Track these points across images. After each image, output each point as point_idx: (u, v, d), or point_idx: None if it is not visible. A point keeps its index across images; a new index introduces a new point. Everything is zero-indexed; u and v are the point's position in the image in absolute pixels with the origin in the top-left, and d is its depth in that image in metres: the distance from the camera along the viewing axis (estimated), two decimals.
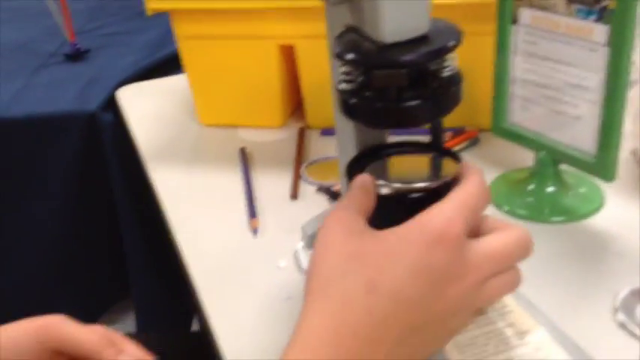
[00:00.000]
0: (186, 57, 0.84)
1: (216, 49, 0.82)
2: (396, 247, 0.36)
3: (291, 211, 0.69)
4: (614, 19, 0.52)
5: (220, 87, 0.85)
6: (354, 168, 0.45)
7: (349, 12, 0.44)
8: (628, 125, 0.57)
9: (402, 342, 0.35)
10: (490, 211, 0.65)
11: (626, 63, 0.52)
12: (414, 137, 0.47)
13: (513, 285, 0.38)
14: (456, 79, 0.43)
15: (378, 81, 0.42)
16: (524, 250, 0.38)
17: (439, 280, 0.35)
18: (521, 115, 0.63)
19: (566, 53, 0.57)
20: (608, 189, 0.65)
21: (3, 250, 1.10)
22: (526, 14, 0.59)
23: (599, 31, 0.53)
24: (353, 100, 0.43)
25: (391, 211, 0.41)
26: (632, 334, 0.48)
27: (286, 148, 0.81)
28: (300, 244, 0.61)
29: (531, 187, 0.64)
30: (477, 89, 0.63)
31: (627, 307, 0.50)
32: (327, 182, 0.72)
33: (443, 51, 0.41)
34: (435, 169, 0.45)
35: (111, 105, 1.03)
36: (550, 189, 0.63)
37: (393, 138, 0.49)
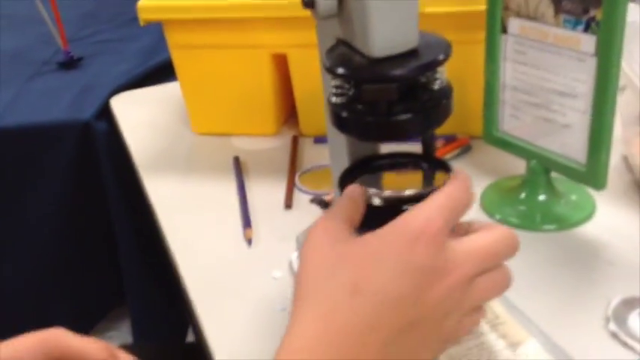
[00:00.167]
0: (179, 66, 0.85)
1: (209, 58, 0.82)
2: (378, 249, 0.37)
3: (286, 220, 0.69)
4: (601, 29, 0.52)
5: (213, 96, 0.85)
6: (346, 179, 0.46)
7: (339, 26, 0.45)
8: (617, 131, 0.57)
9: (393, 342, 0.35)
10: (482, 219, 0.65)
11: (614, 73, 0.53)
12: (407, 146, 0.47)
13: (503, 284, 0.39)
14: (446, 92, 0.43)
15: (369, 95, 0.42)
16: (509, 247, 0.38)
17: (423, 278, 0.36)
18: (511, 123, 0.64)
19: (554, 63, 0.57)
20: (599, 196, 0.65)
21: None
22: (515, 24, 0.59)
23: (587, 42, 0.54)
24: (344, 114, 0.43)
25: (383, 220, 0.42)
26: (624, 344, 0.49)
27: (280, 156, 0.81)
28: (295, 254, 0.61)
29: (523, 195, 0.65)
30: (468, 97, 0.63)
31: (619, 316, 0.50)
32: (320, 191, 0.72)
33: (433, 65, 0.42)
34: (427, 179, 0.46)
35: (105, 113, 1.03)
36: (542, 197, 0.64)
37: (385, 147, 0.50)
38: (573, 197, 0.66)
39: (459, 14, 0.68)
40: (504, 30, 0.60)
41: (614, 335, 0.49)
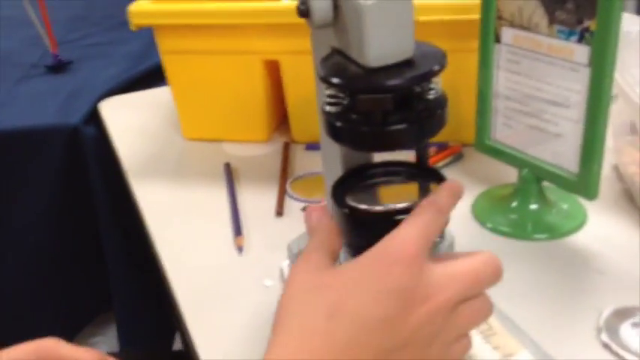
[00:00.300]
0: (170, 71, 0.84)
1: (200, 64, 0.81)
2: (356, 275, 0.36)
3: (277, 227, 0.69)
4: (595, 40, 0.52)
5: (204, 101, 0.85)
6: (339, 189, 0.46)
7: (334, 35, 0.44)
8: (608, 140, 0.57)
9: None
10: (474, 227, 0.66)
11: (607, 84, 0.53)
12: (400, 155, 0.47)
13: (485, 312, 0.38)
14: (441, 102, 0.43)
15: (364, 105, 0.42)
16: (493, 274, 0.38)
17: (402, 301, 0.35)
18: (504, 131, 0.64)
19: (547, 72, 0.57)
20: (590, 205, 0.65)
21: None
22: (508, 34, 0.59)
23: (581, 52, 0.54)
24: (338, 123, 0.43)
25: (379, 233, 0.42)
26: (616, 355, 0.49)
27: (271, 163, 0.81)
28: (286, 263, 0.61)
29: (514, 204, 0.65)
30: (460, 105, 0.63)
31: (611, 327, 0.50)
32: (312, 199, 0.72)
33: (428, 75, 0.41)
34: (421, 189, 0.46)
35: (93, 118, 1.02)
36: (533, 206, 0.64)
37: (378, 155, 0.50)
38: (564, 206, 0.66)
39: (453, 23, 0.68)
40: (498, 39, 0.61)
41: (606, 346, 0.49)
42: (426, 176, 0.45)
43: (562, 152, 0.59)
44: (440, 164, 0.76)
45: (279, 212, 0.71)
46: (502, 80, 0.62)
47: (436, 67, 0.41)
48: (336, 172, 0.49)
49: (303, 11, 0.43)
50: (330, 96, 0.44)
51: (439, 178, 0.44)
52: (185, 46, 0.80)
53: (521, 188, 0.64)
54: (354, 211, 0.42)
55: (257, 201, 0.73)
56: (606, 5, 0.51)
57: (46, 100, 1.09)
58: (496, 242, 0.63)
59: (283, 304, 0.38)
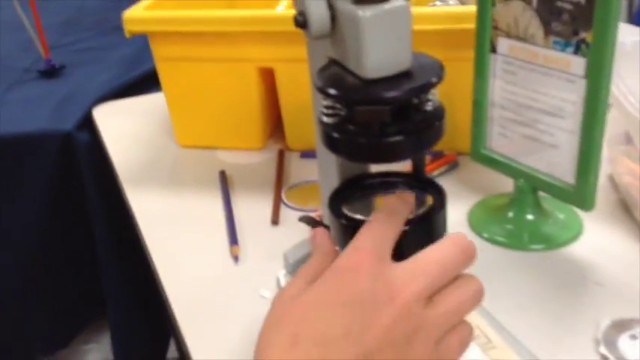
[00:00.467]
0: (164, 78, 0.84)
1: (195, 71, 0.81)
2: (313, 296, 0.36)
3: (272, 236, 0.69)
4: (591, 52, 0.52)
5: (199, 108, 0.85)
6: (335, 199, 0.45)
7: (331, 46, 0.44)
8: (603, 150, 0.57)
9: None
10: (469, 237, 0.65)
11: (604, 95, 0.53)
12: (397, 165, 0.47)
13: (472, 295, 0.36)
14: (438, 114, 0.43)
15: (361, 117, 0.42)
16: (461, 255, 0.36)
17: (363, 308, 0.34)
18: (499, 141, 0.64)
19: (543, 83, 0.57)
20: (586, 215, 0.65)
21: None
22: (504, 44, 0.59)
23: (577, 64, 0.54)
24: (335, 135, 0.43)
25: None
26: None
27: (266, 171, 0.80)
28: (282, 272, 0.60)
29: (510, 214, 0.65)
30: (455, 114, 0.63)
31: (609, 339, 0.50)
32: (307, 207, 0.72)
33: (426, 87, 0.41)
34: (418, 200, 0.46)
35: (87, 124, 1.01)
36: (529, 216, 0.64)
37: (375, 165, 0.49)
38: (561, 216, 0.66)
39: (448, 32, 0.68)
40: (493, 49, 0.61)
41: (605, 358, 0.49)
42: (422, 187, 0.45)
43: (557, 163, 0.59)
44: (435, 173, 0.76)
45: (275, 221, 0.70)
46: (497, 90, 0.62)
47: (434, 79, 0.41)
48: (332, 182, 0.49)
49: (301, 22, 0.42)
50: (327, 107, 0.43)
51: (436, 189, 0.44)
52: (180, 53, 0.80)
53: (518, 198, 0.64)
54: (350, 221, 0.42)
55: (252, 209, 0.73)
56: (602, 17, 0.51)
57: (39, 105, 1.08)
58: (492, 252, 0.63)
59: (261, 332, 0.37)
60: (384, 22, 0.40)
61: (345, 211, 0.44)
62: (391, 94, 0.40)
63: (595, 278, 0.58)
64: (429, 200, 0.44)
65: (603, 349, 0.49)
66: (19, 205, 1.04)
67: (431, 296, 0.35)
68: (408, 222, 0.40)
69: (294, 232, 0.68)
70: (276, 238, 0.68)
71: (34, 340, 1.14)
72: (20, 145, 1.00)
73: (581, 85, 0.54)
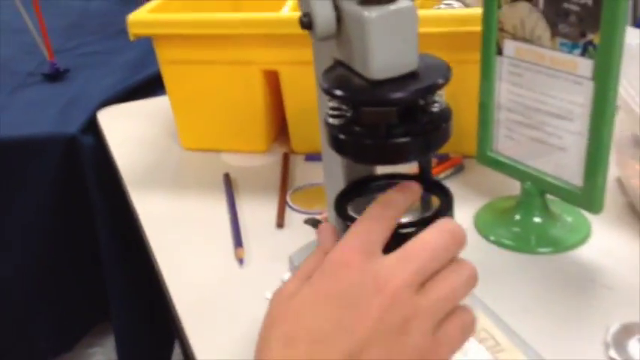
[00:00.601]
0: (168, 81, 0.83)
1: (199, 74, 0.81)
2: (305, 294, 0.36)
3: (277, 239, 0.68)
4: (598, 54, 0.52)
5: (203, 111, 0.84)
6: (341, 201, 0.45)
7: (337, 47, 0.44)
8: (612, 153, 0.57)
9: None
10: (476, 240, 0.65)
11: (612, 97, 0.53)
12: (403, 167, 0.47)
13: (465, 280, 0.35)
14: (445, 115, 0.42)
15: (368, 118, 0.42)
16: (450, 240, 0.35)
17: (352, 300, 0.34)
18: (506, 143, 0.63)
19: (550, 85, 0.57)
20: (594, 218, 0.65)
21: None
22: (510, 46, 0.59)
23: (584, 66, 0.53)
24: (341, 136, 0.42)
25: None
26: None
27: (270, 174, 0.80)
28: (287, 275, 0.60)
29: (518, 217, 0.64)
30: (461, 116, 0.62)
31: (619, 342, 0.49)
32: (313, 210, 0.71)
33: (433, 88, 0.41)
34: (423, 202, 0.45)
35: (91, 127, 1.01)
36: (537, 219, 0.63)
37: (381, 167, 0.49)
38: (569, 219, 0.65)
39: (454, 34, 0.68)
40: (500, 52, 0.60)
41: None
42: (429, 189, 0.45)
43: (565, 165, 0.58)
44: (441, 176, 0.76)
45: (280, 224, 0.70)
46: (504, 92, 0.61)
47: (441, 80, 0.41)
48: (338, 184, 0.49)
49: (306, 23, 0.42)
50: (332, 108, 0.43)
51: (443, 191, 0.44)
52: (184, 56, 0.80)
53: (525, 201, 0.64)
54: None
55: (257, 212, 0.73)
56: (610, 19, 0.50)
57: (43, 108, 1.08)
58: (499, 255, 0.62)
59: (260, 333, 0.37)
60: (389, 23, 0.40)
61: (351, 213, 0.43)
62: (397, 95, 0.40)
63: (603, 281, 0.58)
64: (436, 202, 0.43)
65: (613, 353, 0.49)
66: (24, 207, 1.04)
67: (422, 283, 0.35)
68: (415, 224, 0.40)
69: (299, 235, 0.68)
70: (281, 240, 0.68)
71: (37, 342, 1.14)
72: (25, 148, 1.01)
73: (588, 87, 0.54)
